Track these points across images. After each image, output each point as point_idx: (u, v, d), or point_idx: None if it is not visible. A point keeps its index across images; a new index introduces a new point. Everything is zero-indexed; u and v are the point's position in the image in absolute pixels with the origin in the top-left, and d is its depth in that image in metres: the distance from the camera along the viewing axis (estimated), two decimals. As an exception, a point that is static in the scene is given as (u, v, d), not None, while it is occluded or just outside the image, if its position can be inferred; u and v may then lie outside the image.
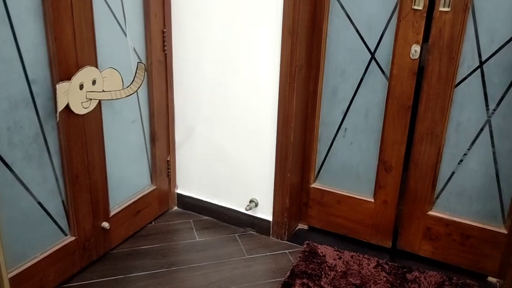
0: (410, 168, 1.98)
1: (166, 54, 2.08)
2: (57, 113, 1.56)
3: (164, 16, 2.02)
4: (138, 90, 1.93)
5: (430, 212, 1.99)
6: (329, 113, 2.07)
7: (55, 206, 1.71)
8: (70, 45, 1.59)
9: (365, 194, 2.09)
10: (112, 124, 1.88)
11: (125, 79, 1.80)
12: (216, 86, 2.08)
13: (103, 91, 1.73)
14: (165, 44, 2.06)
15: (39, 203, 1.64)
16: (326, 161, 2.15)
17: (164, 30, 2.04)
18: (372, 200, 2.08)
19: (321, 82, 2.04)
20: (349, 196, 2.12)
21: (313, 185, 2.19)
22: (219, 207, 2.27)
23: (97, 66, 1.71)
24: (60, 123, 1.63)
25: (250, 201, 2.18)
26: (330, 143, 2.11)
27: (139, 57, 1.96)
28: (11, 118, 1.47)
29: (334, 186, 2.15)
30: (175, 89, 2.18)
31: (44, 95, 1.55)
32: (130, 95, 1.70)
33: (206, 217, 2.33)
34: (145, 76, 1.71)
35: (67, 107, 1.61)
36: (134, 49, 1.92)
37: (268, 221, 2.17)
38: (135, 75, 1.66)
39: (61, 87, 1.56)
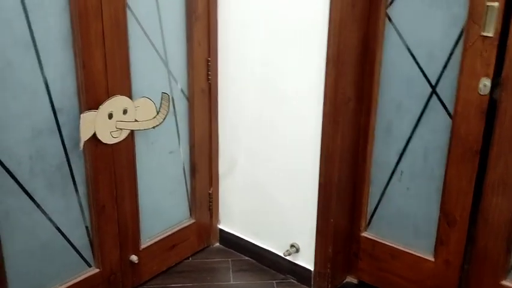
0: (478, 224, 1.66)
1: (210, 83, 2.00)
2: (81, 143, 1.52)
3: (209, 44, 1.94)
4: (178, 121, 1.87)
5: (504, 282, 1.63)
6: (382, 152, 1.83)
7: (79, 237, 1.67)
8: (99, 73, 1.56)
9: (424, 251, 1.79)
10: (146, 154, 1.82)
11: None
12: (258, 117, 1.95)
13: (135, 121, 1.68)
14: (209, 73, 1.98)
15: (62, 233, 1.61)
16: (378, 206, 1.89)
17: (209, 58, 1.96)
18: (432, 259, 1.77)
19: (374, 117, 1.81)
20: (405, 251, 1.83)
21: (364, 234, 1.94)
22: (259, 249, 2.10)
23: (130, 95, 1.66)
24: (87, 152, 1.60)
25: (291, 246, 1.98)
26: (383, 186, 1.86)
27: (179, 86, 1.89)
28: (33, 147, 1.46)
29: (388, 238, 1.88)
30: (220, 119, 2.08)
31: (70, 124, 1.53)
32: (156, 126, 1.63)
33: (246, 257, 2.16)
34: (170, 107, 1.63)
35: (95, 135, 1.57)
36: (174, 78, 1.86)
37: (309, 270, 1.95)
38: (160, 106, 1.59)
39: (86, 117, 1.52)
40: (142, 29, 1.69)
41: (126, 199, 1.78)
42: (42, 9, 1.38)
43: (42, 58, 1.42)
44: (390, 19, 1.70)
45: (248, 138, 2.01)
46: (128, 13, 1.61)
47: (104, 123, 1.59)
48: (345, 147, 1.79)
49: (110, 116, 1.61)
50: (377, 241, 1.90)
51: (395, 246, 1.86)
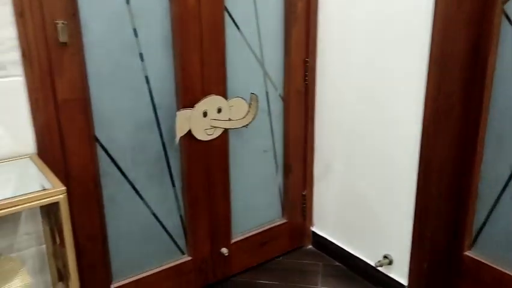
0: None
1: (307, 84, 1.99)
2: (177, 138, 1.63)
3: (307, 45, 1.94)
4: (272, 120, 1.90)
5: None
6: (492, 165, 1.64)
7: (174, 225, 1.79)
8: (196, 74, 1.66)
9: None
10: (240, 152, 1.89)
11: (259, 108, 1.79)
12: (356, 121, 1.88)
13: (229, 120, 1.75)
14: (307, 74, 1.97)
15: (158, 220, 1.75)
16: (486, 224, 1.71)
17: (307, 59, 1.95)
18: (545, 289, 1.54)
19: (483, 126, 1.63)
20: (513, 277, 1.63)
21: (467, 253, 1.76)
22: (351, 256, 2.04)
23: (225, 95, 1.74)
24: (183, 147, 1.71)
25: (384, 257, 1.88)
26: (492, 203, 1.67)
27: (274, 87, 1.92)
28: (136, 140, 1.61)
29: (496, 260, 1.68)
30: (316, 122, 2.06)
31: (168, 120, 1.65)
32: (245, 126, 1.67)
33: (337, 263, 2.11)
34: (258, 107, 1.66)
35: (190, 132, 1.67)
36: (270, 78, 1.89)
37: (402, 285, 1.83)
38: (249, 106, 1.62)
39: (182, 114, 1.63)
40: (239, 30, 1.74)
41: (218, 194, 1.86)
42: (146, 15, 1.51)
43: (145, 60, 1.55)
44: (508, 17, 1.51)
45: (345, 143, 1.96)
46: (226, 15, 1.68)
47: (199, 121, 1.68)
48: (447, 157, 1.65)
49: (205, 114, 1.70)
50: (482, 262, 1.72)
51: (506, 271, 1.65)
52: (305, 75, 1.97)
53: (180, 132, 1.64)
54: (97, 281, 1.63)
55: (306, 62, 1.96)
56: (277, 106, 1.95)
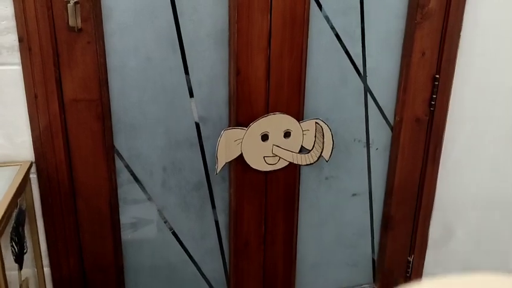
0: None
1: (433, 110, 1.37)
2: (217, 166, 1.22)
3: (440, 55, 1.32)
4: (372, 154, 1.36)
5: None
6: None
7: (213, 270, 1.40)
8: (259, 82, 1.21)
9: None
10: (315, 191, 1.39)
11: (352, 136, 1.28)
12: (500, 166, 1.22)
13: (302, 149, 1.27)
14: (434, 96, 1.35)
15: (193, 260, 1.38)
16: None
17: (437, 76, 1.33)
18: None
19: None
20: None
21: None
22: None
23: (298, 114, 1.26)
24: (233, 176, 1.30)
25: None
26: None
27: (380, 110, 1.36)
28: (169, 158, 1.25)
29: None
30: (442, 164, 1.43)
31: (214, 138, 1.24)
32: (309, 164, 1.17)
33: None
34: (324, 141, 1.13)
35: (242, 158, 1.25)
36: (374, 98, 1.34)
37: None
38: (315, 139, 1.12)
39: (228, 134, 1.21)
40: (332, 27, 1.23)
41: (278, 241, 1.41)
42: (192, -3, 1.12)
43: (188, 57, 1.17)
44: None
45: (479, 201, 1.31)
46: (312, 5, 1.19)
47: (256, 145, 1.24)
48: None
49: (265, 138, 1.25)
50: None
51: None
52: (431, 98, 1.36)
53: (222, 158, 1.22)
54: (109, 318, 1.34)
55: (435, 79, 1.34)
56: (381, 136, 1.39)
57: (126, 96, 1.16)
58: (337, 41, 1.25)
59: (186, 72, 1.18)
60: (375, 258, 1.54)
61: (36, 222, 1.16)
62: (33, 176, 1.13)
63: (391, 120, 1.38)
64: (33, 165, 1.12)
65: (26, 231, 1.10)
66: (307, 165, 1.22)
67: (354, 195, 1.44)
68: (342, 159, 1.36)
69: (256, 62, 1.19)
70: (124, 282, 1.34)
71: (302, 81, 1.24)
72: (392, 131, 1.39)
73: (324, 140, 1.08)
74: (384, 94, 1.35)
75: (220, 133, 1.21)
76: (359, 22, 1.25)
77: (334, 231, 1.47)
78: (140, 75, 1.15)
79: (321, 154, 1.14)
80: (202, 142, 1.25)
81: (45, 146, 1.12)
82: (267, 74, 1.21)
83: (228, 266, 1.41)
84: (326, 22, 1.22)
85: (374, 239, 1.52)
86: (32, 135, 1.10)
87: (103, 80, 1.12)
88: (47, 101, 1.08)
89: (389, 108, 1.37)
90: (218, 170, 1.22)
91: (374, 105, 1.35)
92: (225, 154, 1.22)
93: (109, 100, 1.15)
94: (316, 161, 1.17)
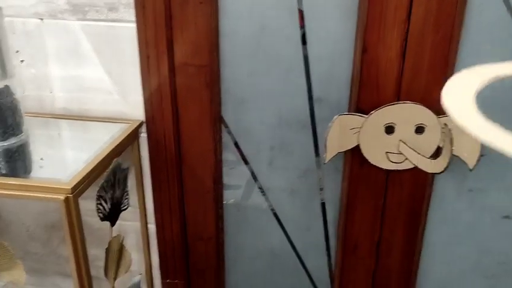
0: None
1: None
2: (325, 156, 1.05)
3: None
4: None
5: None
6: None
7: (316, 266, 1.26)
8: (390, 63, 0.98)
9: None
10: (454, 204, 1.12)
11: None
12: None
13: (438, 149, 1.01)
14: None
15: (296, 250, 1.26)
16: None
17: None
18: None
19: None
20: None
21: None
22: None
23: (440, 107, 0.99)
24: (346, 169, 1.11)
25: None
26: None
27: None
28: (277, 137, 1.12)
29: None
30: None
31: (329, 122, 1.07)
32: (438, 173, 0.91)
33: None
34: (453, 148, 0.84)
35: (359, 150, 1.06)
36: (558, 97, 0.98)
37: None
38: (443, 144, 0.85)
39: (343, 121, 1.02)
40: (504, -4, 0.92)
41: (395, 253, 1.19)
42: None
43: (308, 28, 1.00)
44: None
45: None
46: (477, -35, 0.89)
47: (378, 138, 1.03)
48: None
49: (390, 130, 1.02)
50: None
51: None
52: None
53: (333, 147, 1.04)
54: (206, 285, 1.33)
55: None
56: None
57: (237, 65, 1.07)
58: (510, 16, 0.93)
59: (304, 43, 1.02)
60: (527, 302, 1.20)
61: (142, 182, 1.18)
62: (143, 135, 1.14)
63: None
64: (144, 125, 1.12)
65: (129, 189, 1.13)
66: (434, 173, 0.96)
67: (506, 217, 1.12)
68: (495, 170, 1.05)
69: (390, 38, 0.96)
70: (224, 257, 1.31)
71: (449, 65, 0.97)
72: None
73: (453, 146, 0.82)
74: None
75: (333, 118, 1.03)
76: (547, -10, 0.90)
77: (471, 256, 1.18)
78: (253, 43, 1.04)
79: (448, 164, 0.87)
80: (315, 125, 1.09)
81: (154, 108, 1.10)
82: (401, 54, 0.97)
83: (333, 267, 1.26)
84: (495, -11, 0.91)
85: (528, 279, 1.17)
86: (143, 95, 1.09)
87: (214, 45, 1.04)
88: (157, 62, 1.06)
89: None
90: (326, 160, 1.06)
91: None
92: (337, 143, 1.05)
93: (218, 68, 1.07)
94: (442, 171, 0.91)
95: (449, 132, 0.83)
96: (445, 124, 0.84)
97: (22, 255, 1.32)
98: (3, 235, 1.29)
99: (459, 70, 0.95)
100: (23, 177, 0.90)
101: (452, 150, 0.83)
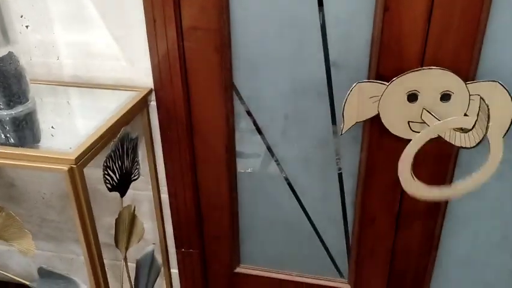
0: None
1: None
2: (343, 126, 0.99)
3: None
4: None
5: None
6: None
7: (333, 236, 1.23)
8: (415, 23, 0.90)
9: None
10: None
11: None
12: None
13: (463, 117, 0.94)
14: None
15: (311, 222, 1.22)
16: None
17: None
18: None
19: None
20: None
21: None
22: None
23: (468, 72, 0.91)
24: (365, 138, 1.05)
25: None
26: None
27: None
28: (292, 105, 1.07)
29: None
30: None
31: (348, 90, 1.00)
32: (468, 147, 0.84)
33: None
34: (489, 125, 0.76)
35: (379, 119, 0.99)
36: None
37: None
38: (477, 118, 0.77)
39: (361, 88, 0.95)
40: None
41: (416, 227, 1.13)
42: None
43: (324, -16, 0.92)
44: None
45: None
46: None
47: (399, 106, 0.96)
48: None
49: (413, 98, 0.95)
50: None
51: None
52: None
53: (351, 117, 0.98)
54: (221, 253, 1.32)
55: None
56: None
57: (248, 28, 1.00)
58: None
59: (320, 4, 0.94)
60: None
61: (153, 151, 1.15)
62: (153, 104, 1.10)
63: None
64: (153, 92, 1.08)
65: (139, 158, 1.10)
66: (462, 147, 0.89)
67: (538, 193, 1.04)
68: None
69: (415, -5, 0.87)
70: (239, 226, 1.29)
71: (481, 25, 0.88)
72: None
73: (489, 122, 0.73)
74: None
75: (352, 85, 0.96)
76: None
77: (498, 231, 1.12)
78: (266, 4, 0.97)
79: (482, 139, 0.80)
80: (332, 93, 1.03)
81: (163, 75, 1.06)
82: (428, 13, 0.89)
83: (350, 238, 1.22)
84: None
85: (559, 255, 1.10)
86: (151, 62, 1.05)
87: (223, 8, 0.97)
88: (165, 26, 1.00)
89: None
90: (344, 130, 0.99)
91: None
92: (356, 112, 0.98)
93: (229, 31, 1.01)
94: (474, 146, 0.84)
95: (485, 107, 0.75)
96: (482, 99, 0.76)
97: (39, 222, 1.33)
98: (19, 203, 1.30)
99: (492, 31, 0.86)
100: (29, 147, 0.88)
101: (488, 127, 0.75)
